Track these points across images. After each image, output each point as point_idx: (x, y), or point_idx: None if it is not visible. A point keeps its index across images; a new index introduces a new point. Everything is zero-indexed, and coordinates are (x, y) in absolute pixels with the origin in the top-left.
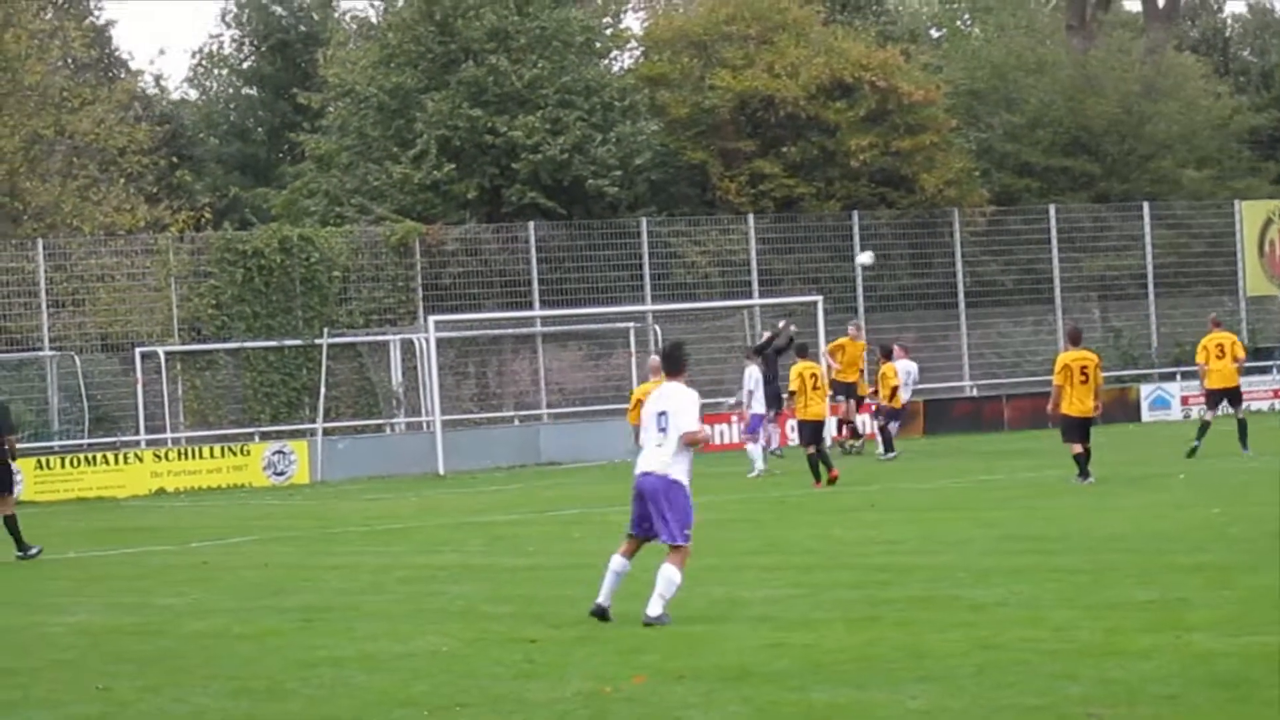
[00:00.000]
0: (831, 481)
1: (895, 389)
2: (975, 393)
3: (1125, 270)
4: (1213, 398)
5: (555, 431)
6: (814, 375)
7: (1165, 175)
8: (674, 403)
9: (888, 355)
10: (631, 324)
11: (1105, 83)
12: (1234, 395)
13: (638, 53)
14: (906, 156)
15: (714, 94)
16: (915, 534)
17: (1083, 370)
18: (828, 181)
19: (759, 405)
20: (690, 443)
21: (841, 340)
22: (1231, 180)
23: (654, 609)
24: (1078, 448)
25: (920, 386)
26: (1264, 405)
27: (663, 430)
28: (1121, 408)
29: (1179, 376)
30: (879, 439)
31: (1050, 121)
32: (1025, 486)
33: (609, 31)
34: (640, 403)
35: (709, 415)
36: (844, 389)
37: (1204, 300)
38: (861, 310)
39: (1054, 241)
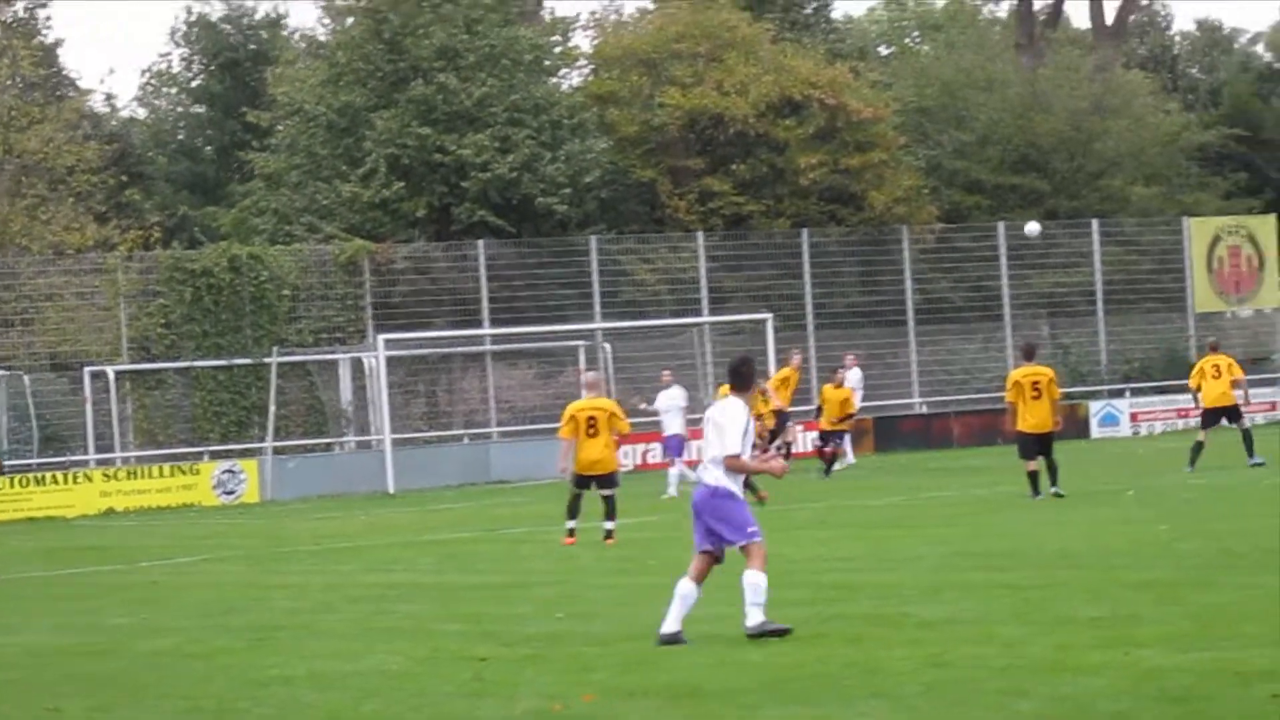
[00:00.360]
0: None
1: (849, 415)
2: (925, 410)
3: (1074, 287)
4: (1209, 416)
5: (505, 450)
6: None
7: (1114, 192)
8: (723, 416)
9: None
10: (581, 342)
11: (1054, 100)
12: (1232, 412)
13: (587, 71)
14: (855, 174)
15: (663, 112)
16: (865, 551)
17: (1034, 385)
18: (777, 199)
19: (676, 426)
20: (732, 468)
21: (785, 372)
22: (1180, 197)
23: (752, 619)
24: (1032, 465)
25: (870, 403)
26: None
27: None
28: (1071, 424)
29: (1128, 393)
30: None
31: (999, 139)
32: (975, 503)
33: (558, 50)
34: (574, 419)
35: (644, 434)
36: (787, 417)
37: (1153, 317)
38: (811, 328)
39: (1003, 259)
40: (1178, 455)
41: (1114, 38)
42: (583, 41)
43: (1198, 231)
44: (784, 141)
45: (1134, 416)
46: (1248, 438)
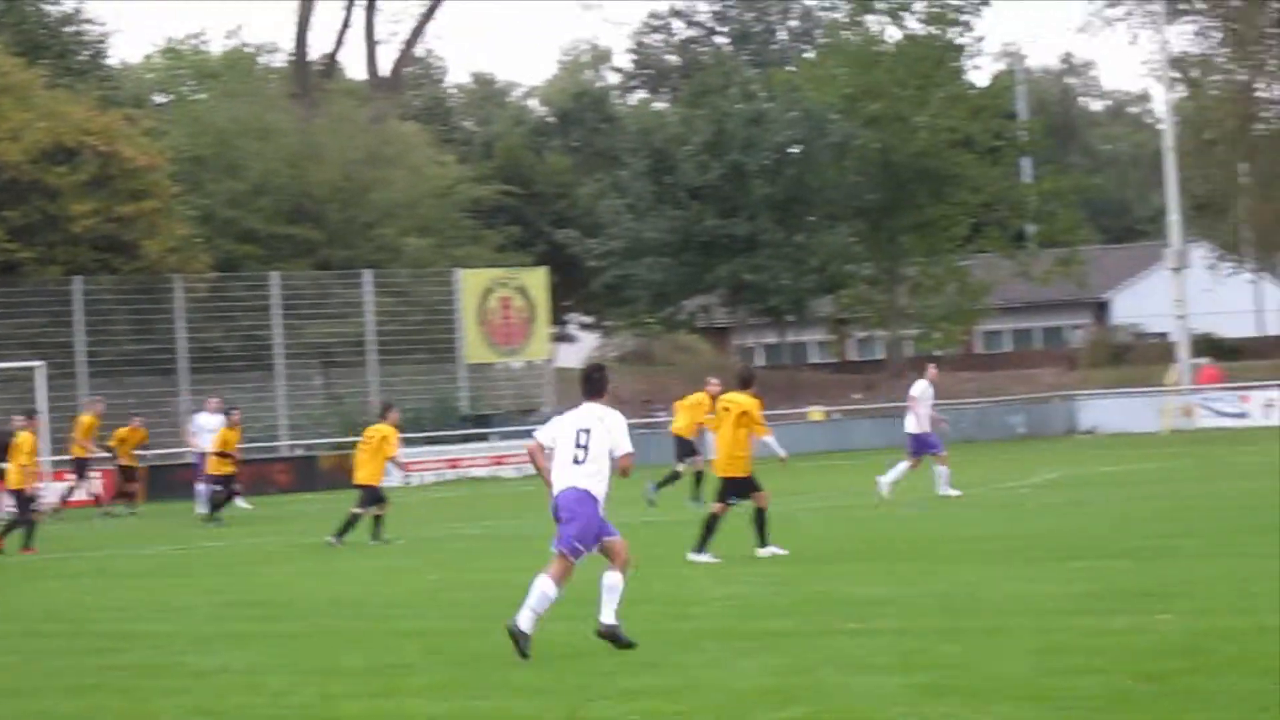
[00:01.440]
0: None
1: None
2: (191, 459)
3: (346, 337)
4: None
5: None
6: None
7: (387, 243)
8: (603, 424)
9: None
10: None
11: (329, 150)
12: (686, 448)
13: None
14: (129, 222)
15: None
16: (140, 600)
17: (366, 440)
18: (49, 246)
19: None
20: (624, 468)
21: (87, 419)
22: (453, 249)
23: (524, 621)
24: (356, 510)
25: (145, 452)
26: (484, 473)
27: (581, 447)
28: (343, 473)
29: (399, 443)
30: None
31: (274, 188)
32: (248, 552)
33: None
34: None
35: None
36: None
37: (425, 367)
38: (84, 377)
39: (276, 308)
40: (448, 505)
41: (390, 89)
42: None
43: (469, 283)
44: (57, 188)
45: (405, 467)
46: (699, 478)
